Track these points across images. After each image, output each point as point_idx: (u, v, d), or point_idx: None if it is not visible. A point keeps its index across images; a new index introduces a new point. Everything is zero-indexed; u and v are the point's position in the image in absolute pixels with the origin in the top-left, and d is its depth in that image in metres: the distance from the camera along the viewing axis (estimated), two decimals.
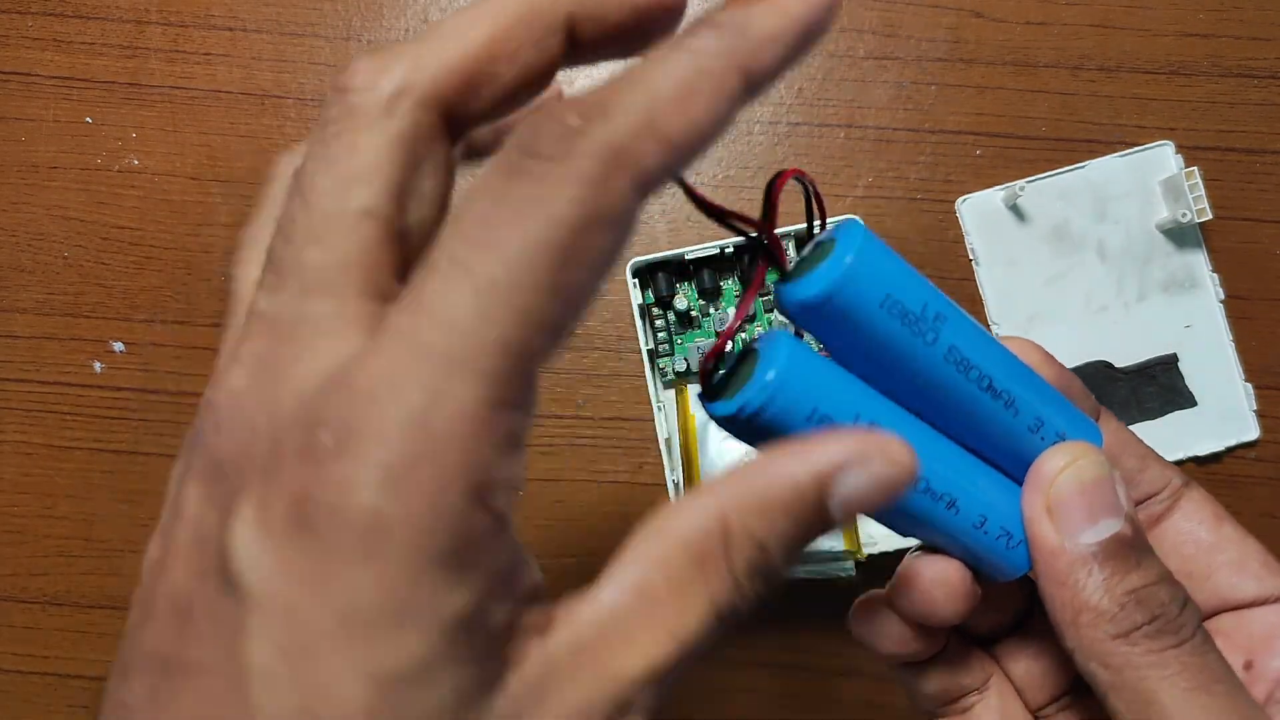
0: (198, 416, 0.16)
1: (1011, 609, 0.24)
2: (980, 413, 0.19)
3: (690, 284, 0.43)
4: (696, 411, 0.39)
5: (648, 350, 0.41)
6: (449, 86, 0.16)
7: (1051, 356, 0.23)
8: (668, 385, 0.43)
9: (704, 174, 0.44)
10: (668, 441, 0.41)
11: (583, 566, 0.43)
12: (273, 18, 0.45)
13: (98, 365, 0.44)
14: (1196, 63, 0.44)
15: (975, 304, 0.44)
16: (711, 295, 0.43)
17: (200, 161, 0.45)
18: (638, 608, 0.15)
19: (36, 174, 0.45)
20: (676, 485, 0.41)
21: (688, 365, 0.42)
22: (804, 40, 0.16)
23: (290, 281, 0.15)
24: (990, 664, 0.24)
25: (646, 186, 0.14)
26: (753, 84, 0.15)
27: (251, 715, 0.13)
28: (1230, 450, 0.43)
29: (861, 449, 0.16)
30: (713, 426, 0.39)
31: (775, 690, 0.43)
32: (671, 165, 0.14)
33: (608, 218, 0.14)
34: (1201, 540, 0.23)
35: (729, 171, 0.44)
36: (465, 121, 0.17)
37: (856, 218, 0.22)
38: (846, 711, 0.43)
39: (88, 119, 0.45)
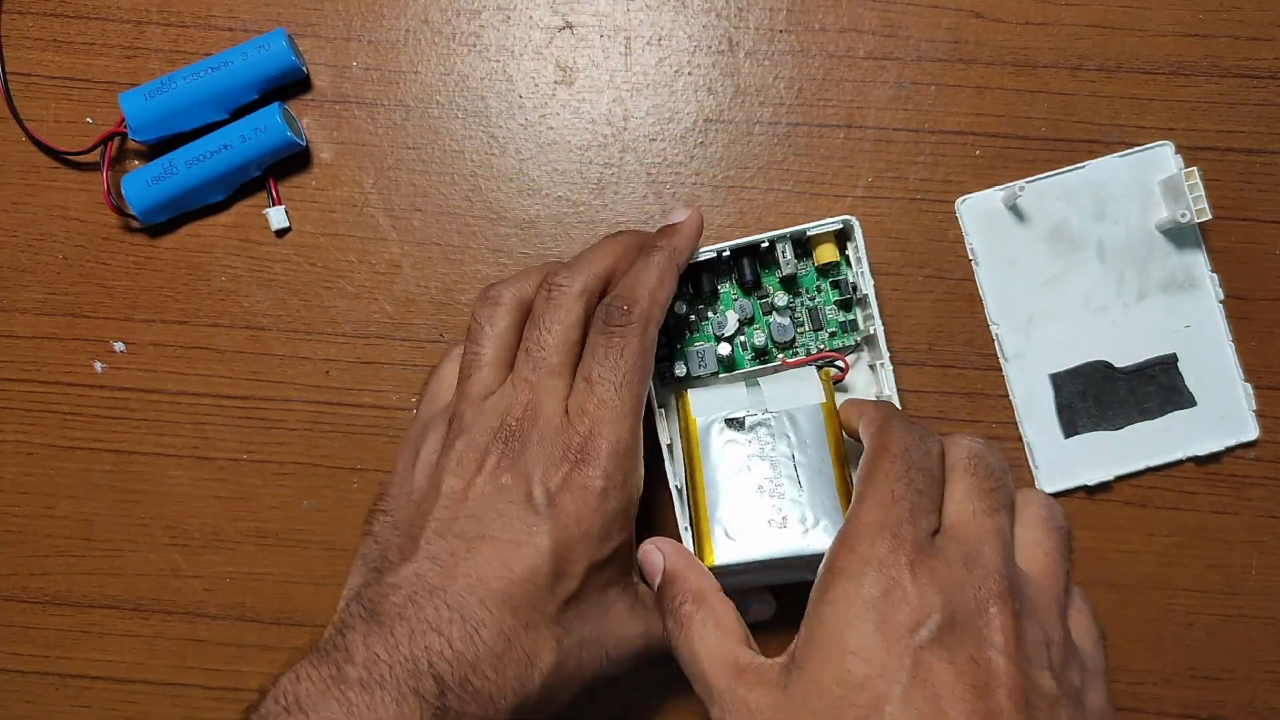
0: (477, 409, 0.35)
1: None
2: None
3: (688, 287, 0.42)
4: (698, 415, 0.39)
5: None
6: (598, 285, 0.36)
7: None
8: (667, 389, 0.42)
9: (704, 175, 0.45)
10: (669, 446, 0.41)
11: None
12: (273, 18, 0.45)
13: (99, 365, 0.44)
14: (1196, 63, 0.44)
15: (975, 304, 0.44)
16: (709, 299, 0.42)
17: None
18: None
19: (37, 174, 0.45)
20: (679, 490, 0.40)
21: (687, 370, 0.42)
22: (695, 243, 0.39)
23: (541, 367, 0.35)
24: None
25: (657, 324, 0.36)
26: (681, 265, 0.38)
27: (535, 549, 0.33)
28: (1229, 450, 0.43)
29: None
30: (714, 430, 0.38)
31: None
32: (663, 310, 0.36)
33: (650, 342, 0.35)
34: None
35: (729, 172, 0.45)
36: (603, 292, 0.37)
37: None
38: None
39: (88, 119, 0.45)
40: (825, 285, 0.43)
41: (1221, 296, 0.43)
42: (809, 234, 0.41)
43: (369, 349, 0.44)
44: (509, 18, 0.45)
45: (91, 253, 0.45)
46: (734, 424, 0.38)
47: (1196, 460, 0.43)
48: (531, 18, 0.45)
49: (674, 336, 0.42)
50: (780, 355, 0.43)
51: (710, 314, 0.42)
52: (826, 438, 0.38)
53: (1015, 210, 0.44)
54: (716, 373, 0.42)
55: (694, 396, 0.40)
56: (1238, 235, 0.44)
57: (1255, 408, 0.43)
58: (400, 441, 0.39)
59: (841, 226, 0.41)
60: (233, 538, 0.44)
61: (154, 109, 0.43)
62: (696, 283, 0.42)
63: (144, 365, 0.44)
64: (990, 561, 0.30)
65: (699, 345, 0.42)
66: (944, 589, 0.29)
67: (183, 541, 0.44)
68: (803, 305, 0.43)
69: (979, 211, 0.44)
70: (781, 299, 0.42)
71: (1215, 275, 0.43)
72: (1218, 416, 0.43)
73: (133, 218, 0.44)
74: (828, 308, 0.43)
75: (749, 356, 0.42)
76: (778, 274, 0.42)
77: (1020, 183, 0.42)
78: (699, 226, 0.39)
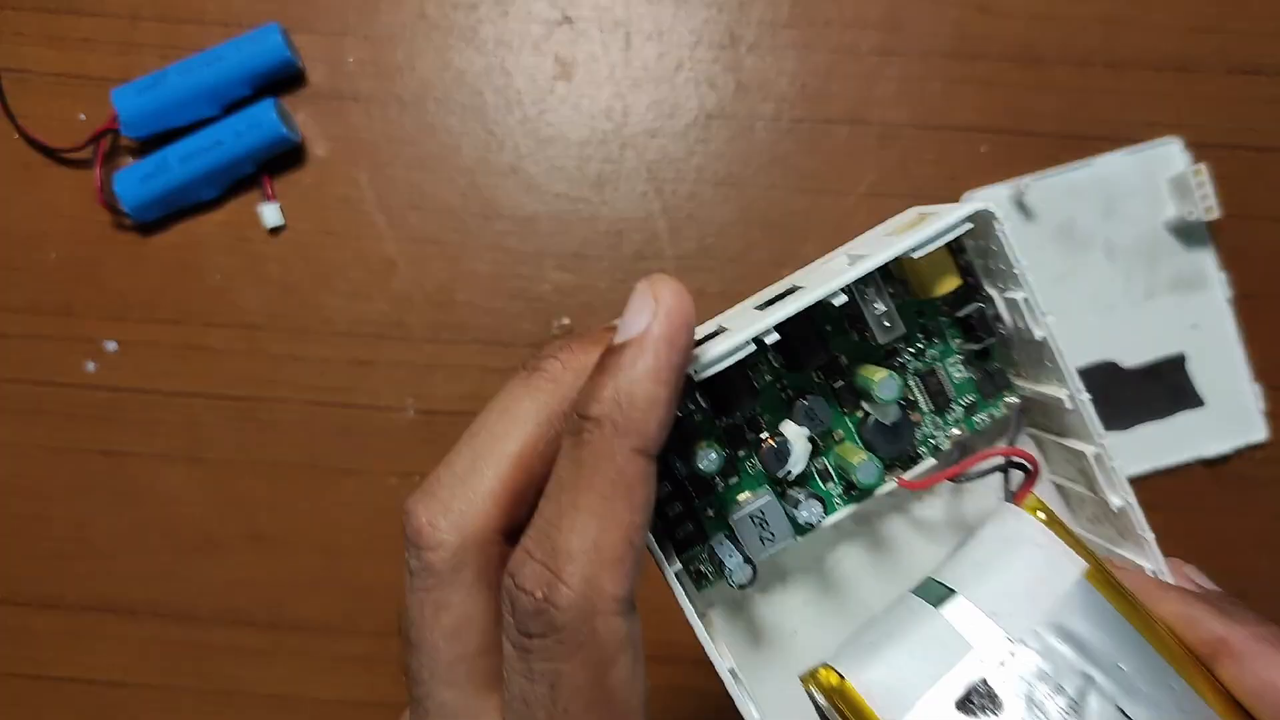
0: None
1: None
2: None
3: (698, 398, 0.23)
4: (871, 696, 0.20)
5: (674, 573, 0.22)
6: (496, 527, 0.20)
7: None
8: (702, 603, 0.24)
9: (705, 171, 0.44)
10: None
11: None
12: (267, 13, 0.44)
13: (90, 364, 0.44)
14: (1205, 58, 0.44)
15: None
16: (737, 406, 0.23)
17: None
18: None
19: (29, 171, 0.44)
20: None
21: (753, 571, 0.23)
22: (678, 376, 0.19)
23: (434, 716, 0.20)
24: None
25: (620, 604, 0.18)
26: (652, 443, 0.19)
27: None
28: (1238, 451, 0.43)
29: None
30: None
31: None
32: (629, 573, 0.18)
33: (610, 647, 0.18)
34: None
35: (730, 168, 0.44)
36: (518, 521, 0.20)
37: None
38: None
39: (81, 115, 0.44)
40: (939, 326, 0.25)
41: (1231, 295, 0.43)
42: (916, 254, 0.22)
43: (364, 348, 0.44)
44: (507, 11, 0.45)
45: (83, 250, 0.44)
46: (978, 705, 0.19)
47: (1205, 462, 0.43)
48: (530, 11, 0.45)
49: (698, 504, 0.23)
50: (892, 475, 0.24)
51: (747, 432, 0.23)
52: (1148, 641, 0.20)
53: (1022, 207, 0.43)
54: (794, 536, 0.23)
55: (857, 676, 0.20)
56: (1248, 233, 0.43)
57: (1265, 408, 0.43)
58: None
59: (971, 226, 0.22)
60: (226, 540, 0.43)
61: (146, 105, 0.42)
62: (717, 387, 0.23)
63: (136, 365, 0.44)
64: None
65: (746, 499, 0.23)
66: None
67: (175, 544, 0.43)
68: (910, 372, 0.25)
69: None
70: (886, 391, 0.23)
71: (1224, 274, 0.43)
72: (1227, 417, 0.43)
73: (125, 215, 0.43)
74: (949, 365, 0.25)
75: (837, 492, 0.24)
76: (856, 340, 0.24)
77: (1027, 179, 0.42)
78: (681, 329, 0.19)
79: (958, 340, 0.25)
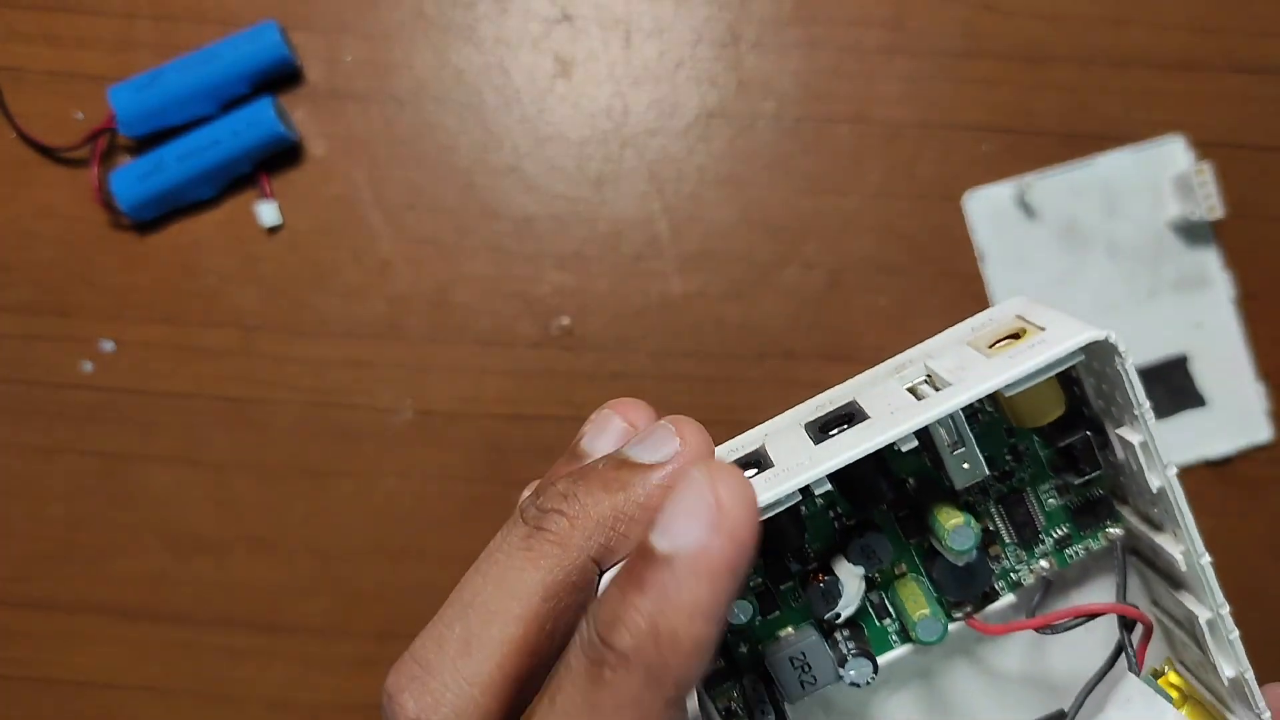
0: None
1: None
2: None
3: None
4: None
5: None
6: (498, 711, 0.16)
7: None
8: None
9: (706, 170, 0.44)
10: None
11: None
12: (265, 11, 0.44)
13: (87, 365, 0.44)
14: (1209, 57, 0.44)
15: (982, 301, 0.43)
16: (776, 566, 0.21)
17: None
18: None
19: (26, 170, 0.44)
20: None
21: None
22: (733, 579, 0.15)
23: None
24: None
25: None
26: (688, 682, 0.15)
27: None
28: (1242, 452, 0.43)
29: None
30: None
31: None
32: None
33: None
34: None
35: (732, 168, 0.44)
36: (520, 709, 0.17)
37: None
38: None
39: (78, 114, 0.44)
40: (1032, 447, 0.22)
41: (1234, 295, 0.43)
42: (1010, 394, 0.19)
43: (361, 349, 0.43)
44: (506, 9, 0.44)
45: (80, 250, 0.44)
46: None
47: (1209, 463, 0.43)
48: (529, 9, 0.44)
49: (730, 640, 0.22)
50: (963, 615, 0.22)
51: (792, 562, 0.21)
52: None
53: (1024, 206, 0.43)
54: (839, 678, 0.21)
55: None
56: (1251, 233, 0.43)
57: (1269, 408, 0.42)
58: None
59: (1083, 357, 0.19)
60: (222, 542, 0.43)
61: (144, 103, 0.42)
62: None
63: (133, 365, 0.43)
64: None
65: (788, 637, 0.21)
66: None
67: (171, 546, 0.43)
68: (991, 497, 0.22)
69: (988, 207, 0.43)
70: (960, 541, 0.20)
71: (1228, 273, 0.43)
72: (1230, 417, 0.42)
73: (122, 214, 0.43)
74: (1041, 492, 0.22)
75: (894, 629, 0.22)
76: (928, 464, 0.22)
77: (1029, 178, 0.41)
78: (747, 548, 0.15)
79: (1054, 465, 0.21)
